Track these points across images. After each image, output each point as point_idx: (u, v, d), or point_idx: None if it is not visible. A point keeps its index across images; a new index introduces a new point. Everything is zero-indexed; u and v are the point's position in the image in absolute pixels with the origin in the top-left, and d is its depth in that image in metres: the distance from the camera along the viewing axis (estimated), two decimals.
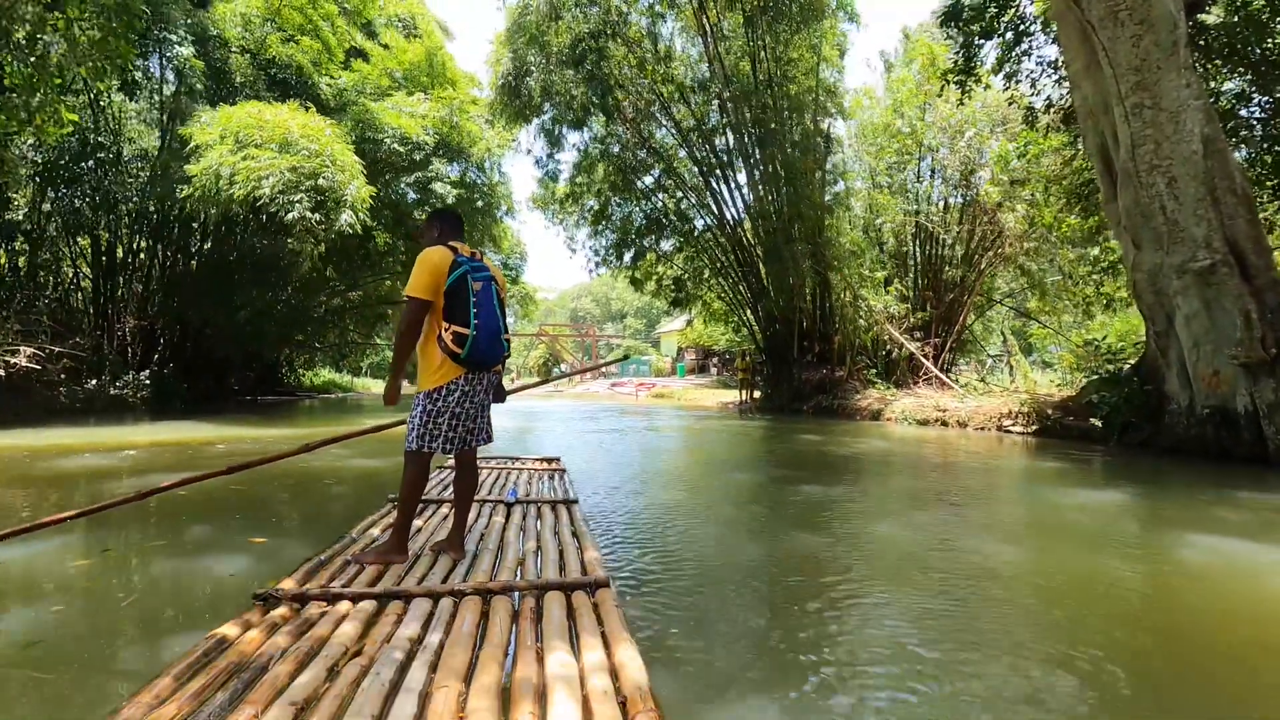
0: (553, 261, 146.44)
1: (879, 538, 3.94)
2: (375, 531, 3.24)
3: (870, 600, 2.80)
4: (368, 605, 2.24)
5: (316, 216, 12.94)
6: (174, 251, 18.15)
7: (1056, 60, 10.63)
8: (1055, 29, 10.11)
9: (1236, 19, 8.48)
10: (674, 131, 17.87)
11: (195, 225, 17.62)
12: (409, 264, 21.77)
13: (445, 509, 3.81)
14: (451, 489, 4.14)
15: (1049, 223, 14.19)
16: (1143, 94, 6.95)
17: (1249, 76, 9.40)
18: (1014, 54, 10.42)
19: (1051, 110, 10.57)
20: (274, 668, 1.75)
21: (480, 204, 18.01)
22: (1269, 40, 8.42)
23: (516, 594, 2.39)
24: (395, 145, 15.81)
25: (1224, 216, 6.88)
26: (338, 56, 17.31)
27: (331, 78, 16.99)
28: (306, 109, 14.50)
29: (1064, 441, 9.29)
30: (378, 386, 41.83)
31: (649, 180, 19.49)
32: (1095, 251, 16.68)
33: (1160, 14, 6.76)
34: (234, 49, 15.16)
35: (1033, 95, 10.95)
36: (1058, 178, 12.04)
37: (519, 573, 2.75)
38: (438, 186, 16.69)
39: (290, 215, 12.60)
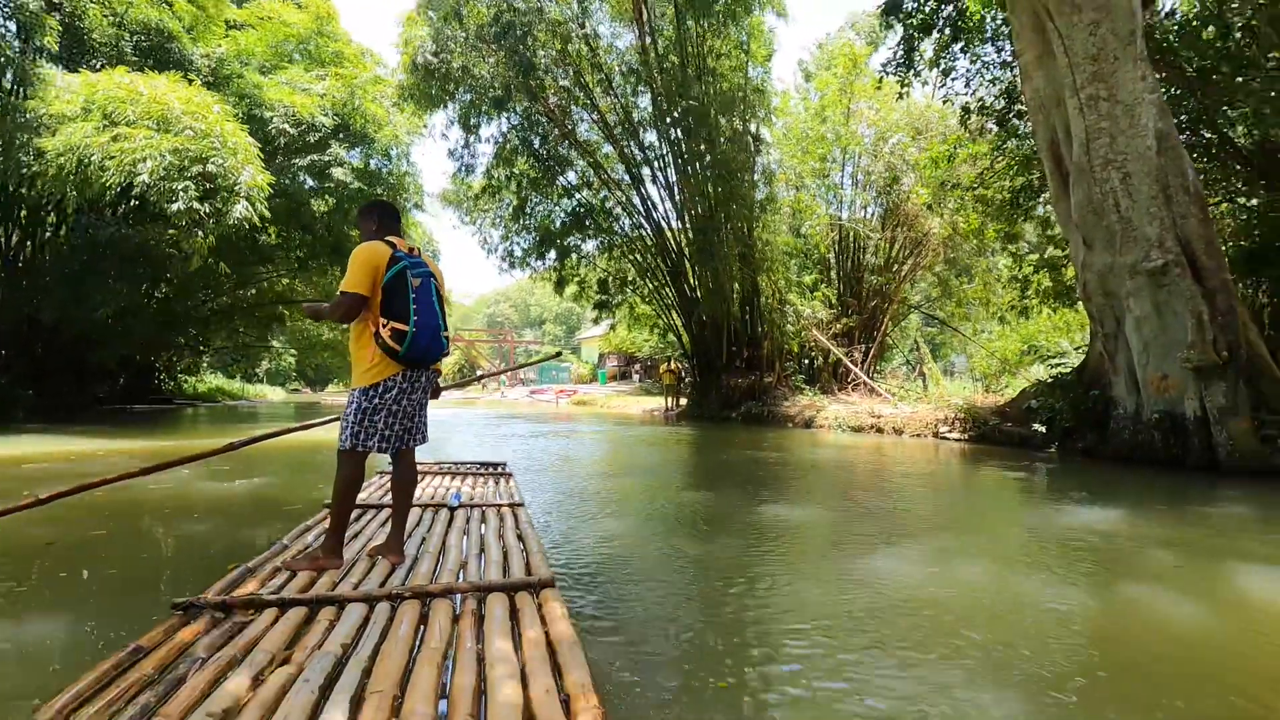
0: (469, 264, 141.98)
1: (850, 563, 3.17)
2: (309, 538, 3.07)
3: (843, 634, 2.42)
4: (298, 612, 2.15)
5: (205, 208, 11.22)
6: (20, 237, 15.62)
7: (991, 61, 10.53)
8: (993, 26, 9.97)
9: (1173, 21, 8.48)
10: (599, 125, 16.98)
11: (48, 207, 15.19)
12: (307, 258, 19.88)
13: (384, 514, 3.61)
14: (389, 494, 3.77)
15: (973, 228, 14.25)
16: (1098, 85, 6.66)
17: (1175, 87, 9.44)
18: (951, 51, 10.20)
19: (986, 110, 10.42)
20: (192, 678, 1.69)
21: (385, 195, 16.47)
22: (1207, 46, 8.40)
23: (458, 596, 2.33)
24: (285, 125, 14.10)
25: (1176, 215, 6.67)
26: (217, 26, 15.39)
27: (208, 48, 15.03)
28: (190, 81, 12.68)
29: (1003, 449, 9.03)
30: (274, 394, 38.75)
31: (572, 177, 18.52)
32: (1006, 261, 17.08)
33: (1119, 1, 6.49)
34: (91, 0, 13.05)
35: (967, 94, 10.80)
36: (987, 182, 11.97)
37: (461, 575, 2.66)
38: (338, 173, 15.09)
39: (175, 206, 10.83)
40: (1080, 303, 13.31)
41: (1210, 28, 8.71)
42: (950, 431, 10.40)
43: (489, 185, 18.48)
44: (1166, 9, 9.66)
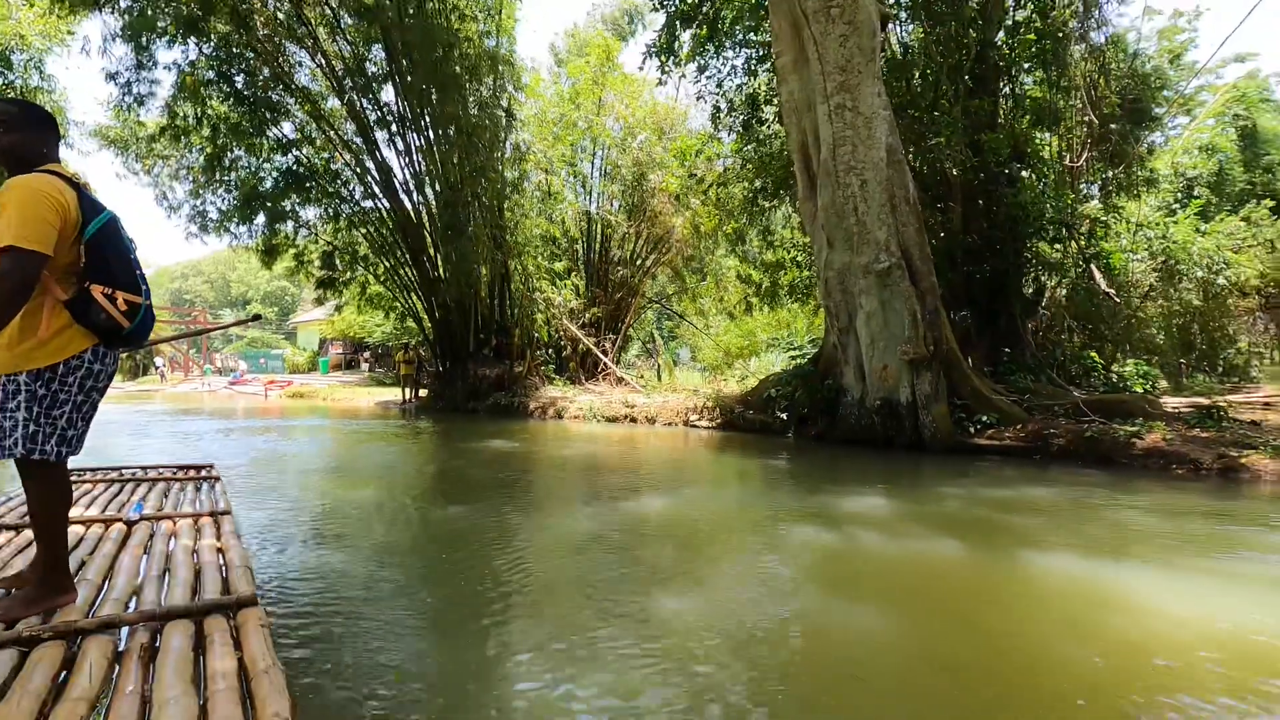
0: (144, 227, 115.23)
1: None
2: None
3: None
4: None
5: None
6: None
7: (738, 68, 11.08)
8: (742, 32, 10.43)
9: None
10: (325, 72, 14.48)
11: None
12: None
13: (26, 537, 2.95)
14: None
15: (712, 227, 15.15)
16: (845, 95, 7.14)
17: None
18: (707, 48, 10.48)
19: (735, 110, 10.95)
20: None
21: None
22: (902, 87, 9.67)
23: (124, 630, 1.92)
24: None
25: (899, 223, 7.45)
26: None
27: None
28: None
29: (747, 435, 9.54)
30: None
31: (288, 129, 15.57)
32: (733, 262, 18.72)
33: (864, 18, 7.00)
34: None
35: (718, 95, 11.25)
36: (728, 181, 12.72)
37: (133, 603, 2.19)
38: None
39: None
40: (792, 302, 15.07)
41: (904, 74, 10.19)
42: (700, 420, 10.75)
43: (171, 126, 14.62)
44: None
